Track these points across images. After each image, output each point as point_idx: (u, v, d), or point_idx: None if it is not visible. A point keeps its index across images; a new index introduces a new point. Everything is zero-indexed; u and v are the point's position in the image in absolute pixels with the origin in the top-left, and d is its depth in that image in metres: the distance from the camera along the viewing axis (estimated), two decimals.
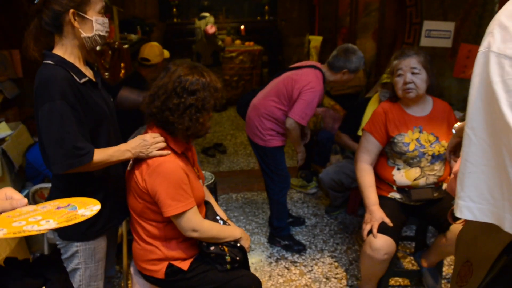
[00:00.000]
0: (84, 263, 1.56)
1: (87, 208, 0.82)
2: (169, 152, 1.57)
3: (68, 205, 0.84)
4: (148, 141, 1.54)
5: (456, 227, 2.00)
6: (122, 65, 4.58)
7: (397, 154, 2.15)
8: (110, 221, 1.64)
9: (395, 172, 2.19)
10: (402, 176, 2.17)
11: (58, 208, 0.82)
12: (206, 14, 6.66)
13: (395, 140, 2.14)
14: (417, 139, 2.13)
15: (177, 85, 1.53)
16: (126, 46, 4.67)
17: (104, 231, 1.62)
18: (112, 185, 1.62)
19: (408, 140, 2.13)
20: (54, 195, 1.54)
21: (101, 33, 1.48)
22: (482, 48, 0.78)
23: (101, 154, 1.45)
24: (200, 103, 1.55)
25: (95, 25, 1.45)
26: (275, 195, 2.81)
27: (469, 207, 0.83)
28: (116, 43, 4.39)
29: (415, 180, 2.16)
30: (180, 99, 1.53)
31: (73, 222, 0.76)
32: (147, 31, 6.23)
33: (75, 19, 1.41)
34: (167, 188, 1.52)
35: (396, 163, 2.19)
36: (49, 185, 2.12)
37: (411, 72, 2.08)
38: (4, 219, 0.77)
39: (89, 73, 1.54)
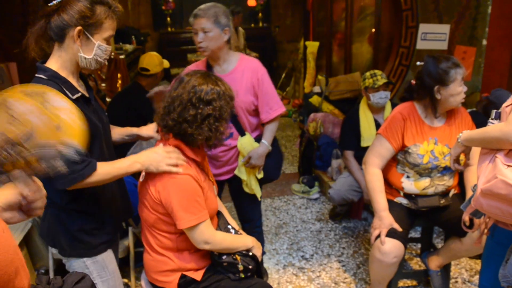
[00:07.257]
0: (99, 277, 1.53)
1: None
2: (180, 169, 1.53)
3: None
4: (160, 154, 1.51)
5: (474, 233, 1.99)
6: (119, 75, 4.57)
7: (410, 164, 2.13)
8: (114, 235, 1.66)
9: (404, 179, 2.19)
10: (411, 184, 2.17)
11: None
12: None
13: (410, 150, 2.11)
14: (432, 151, 2.10)
15: (192, 95, 1.51)
16: (122, 56, 4.66)
17: (109, 246, 1.61)
18: (110, 203, 1.60)
19: (423, 151, 2.10)
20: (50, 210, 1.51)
21: (99, 59, 1.44)
22: None
23: (107, 166, 1.43)
24: (217, 113, 1.54)
25: (96, 49, 1.41)
26: None
27: None
28: (113, 53, 4.38)
29: (424, 189, 2.16)
30: (197, 110, 1.51)
31: None
32: (142, 41, 6.21)
33: (79, 37, 1.37)
34: (180, 200, 1.50)
35: (406, 171, 2.18)
36: None
37: None
38: None
39: (82, 88, 1.50)
